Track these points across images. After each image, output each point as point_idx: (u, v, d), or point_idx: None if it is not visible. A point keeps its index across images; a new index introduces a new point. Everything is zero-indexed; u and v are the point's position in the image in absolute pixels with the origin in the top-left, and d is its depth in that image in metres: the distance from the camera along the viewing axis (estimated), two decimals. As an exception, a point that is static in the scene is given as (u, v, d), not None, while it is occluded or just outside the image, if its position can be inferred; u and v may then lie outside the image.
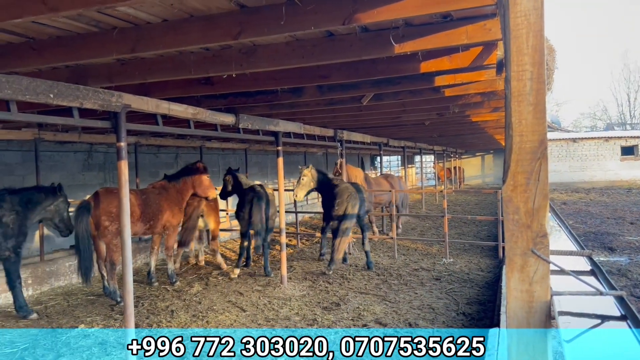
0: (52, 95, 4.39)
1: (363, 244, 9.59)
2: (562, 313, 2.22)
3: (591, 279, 4.73)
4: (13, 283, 6.88)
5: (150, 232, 8.30)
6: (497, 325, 5.04)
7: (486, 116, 11.07)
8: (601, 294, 2.11)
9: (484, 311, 6.82)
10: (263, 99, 7.28)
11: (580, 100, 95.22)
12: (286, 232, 9.20)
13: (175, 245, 9.17)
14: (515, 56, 2.04)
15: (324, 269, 9.24)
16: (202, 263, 10.42)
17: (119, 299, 7.42)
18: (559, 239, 11.36)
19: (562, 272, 2.24)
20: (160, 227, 8.28)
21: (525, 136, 2.04)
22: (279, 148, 8.61)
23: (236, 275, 9.03)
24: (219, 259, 9.93)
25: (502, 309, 5.12)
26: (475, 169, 40.18)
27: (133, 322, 5.34)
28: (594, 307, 2.96)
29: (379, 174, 16.31)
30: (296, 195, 9.71)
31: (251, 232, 9.33)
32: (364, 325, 6.31)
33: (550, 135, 36.01)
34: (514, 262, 2.07)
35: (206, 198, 8.91)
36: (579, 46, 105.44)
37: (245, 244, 9.45)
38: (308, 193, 10.03)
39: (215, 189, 9.23)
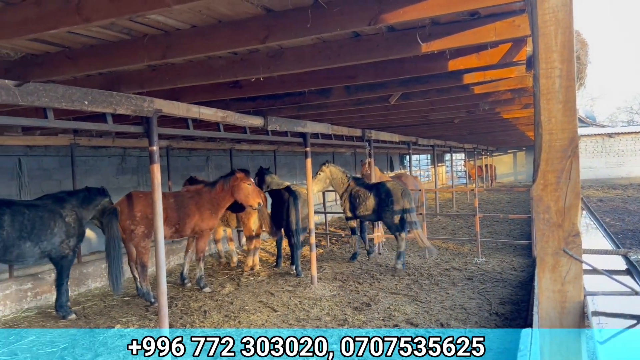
0: (86, 102, 4.53)
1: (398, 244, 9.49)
2: (595, 313, 2.19)
3: (626, 279, 4.60)
4: (62, 281, 7.13)
5: (179, 236, 8.33)
6: (531, 325, 4.96)
7: (517, 113, 10.89)
8: (637, 293, 2.06)
9: (517, 311, 6.72)
10: (291, 101, 7.34)
11: (616, 94, 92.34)
12: (315, 233, 9.24)
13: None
14: (544, 53, 2.02)
15: (395, 263, 9.29)
16: (235, 264, 10.54)
17: (152, 300, 7.61)
18: (594, 237, 11.10)
19: (595, 271, 2.20)
20: (190, 231, 8.28)
21: (555, 134, 2.01)
22: (307, 149, 8.66)
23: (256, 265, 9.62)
24: (250, 261, 10.01)
25: (535, 309, 5.04)
26: (507, 167, 39.49)
27: (167, 322, 5.46)
28: (629, 307, 2.88)
29: (407, 173, 16.20)
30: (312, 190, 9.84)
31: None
32: (395, 326, 6.29)
33: (584, 130, 35.14)
34: (546, 262, 2.04)
35: (251, 207, 8.63)
36: (615, 38, 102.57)
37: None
38: (343, 192, 10.13)
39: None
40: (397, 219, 9.19)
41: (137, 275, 7.82)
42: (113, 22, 3.44)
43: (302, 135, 8.58)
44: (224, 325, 6.60)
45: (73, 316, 7.18)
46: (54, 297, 7.40)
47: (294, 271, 9.28)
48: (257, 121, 7.22)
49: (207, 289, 8.37)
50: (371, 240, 10.95)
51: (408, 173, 19.11)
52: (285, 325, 6.48)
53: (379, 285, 8.32)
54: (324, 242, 12.73)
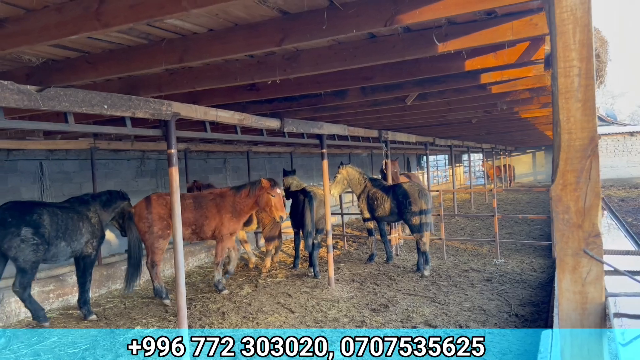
0: (106, 107, 4.60)
1: (418, 246, 9.41)
2: (617, 315, 2.15)
3: (651, 280, 4.52)
4: (85, 279, 7.36)
5: (197, 238, 8.41)
6: (552, 327, 4.90)
7: (536, 112, 10.78)
8: (660, 295, 2.03)
9: (537, 312, 6.64)
10: (307, 103, 7.36)
11: (637, 92, 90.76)
12: (332, 234, 9.25)
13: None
14: (562, 52, 2.00)
15: (423, 271, 9.03)
16: (253, 265, 10.58)
17: (163, 296, 7.88)
18: (616, 237, 10.91)
19: (617, 272, 2.17)
20: (209, 234, 8.29)
21: (574, 134, 1.99)
22: (324, 150, 8.67)
23: (269, 266, 9.71)
24: (268, 262, 10.07)
25: (555, 310, 4.98)
26: (526, 167, 39.06)
27: (186, 323, 5.52)
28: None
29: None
30: (331, 193, 9.92)
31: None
32: (414, 327, 6.26)
33: (605, 129, 34.60)
34: (565, 263, 2.02)
35: (274, 219, 8.40)
36: (636, 35, 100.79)
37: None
38: (360, 192, 10.14)
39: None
40: (416, 220, 9.13)
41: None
42: (131, 27, 3.49)
43: (319, 136, 8.60)
44: (242, 326, 6.63)
45: (94, 317, 7.31)
46: (76, 298, 7.57)
47: (312, 272, 9.29)
48: (273, 123, 7.25)
49: (225, 291, 8.40)
50: (389, 241, 10.89)
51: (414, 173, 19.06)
52: (303, 327, 6.49)
53: (397, 286, 8.29)
54: (341, 243, 12.72)
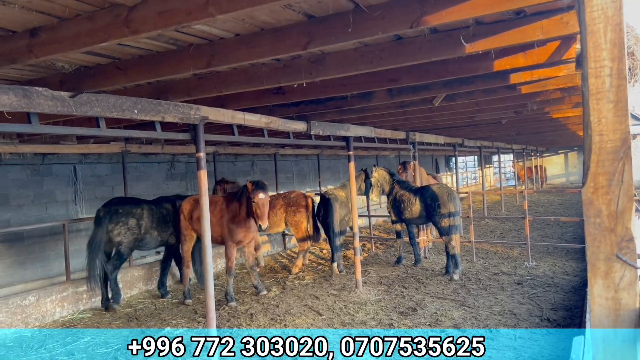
0: (136, 111, 4.69)
1: (447, 249, 9.25)
2: (653, 322, 2.08)
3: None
4: (167, 264, 8.90)
5: (215, 242, 8.12)
6: (584, 332, 4.78)
7: (567, 112, 10.55)
8: (698, 301, 1.95)
9: (570, 317, 6.48)
10: (333, 105, 7.37)
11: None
12: (359, 236, 9.24)
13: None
14: (592, 52, 1.95)
15: (452, 275, 8.91)
16: (261, 268, 10.61)
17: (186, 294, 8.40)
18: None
19: (652, 277, 2.11)
20: (220, 239, 8.03)
21: (605, 135, 1.94)
22: (350, 152, 8.66)
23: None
24: (299, 263, 10.14)
25: (587, 315, 4.85)
26: (558, 168, 38.21)
27: (215, 324, 5.57)
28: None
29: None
30: (371, 199, 10.14)
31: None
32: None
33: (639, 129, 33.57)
34: (597, 268, 1.97)
35: (260, 226, 7.50)
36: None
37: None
38: (388, 194, 10.17)
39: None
40: (445, 222, 9.04)
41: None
42: (160, 33, 3.55)
43: (345, 139, 8.59)
44: (270, 328, 6.67)
45: (169, 296, 8.65)
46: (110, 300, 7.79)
47: (336, 269, 9.57)
48: (300, 126, 7.28)
49: (232, 304, 7.84)
50: (417, 244, 10.79)
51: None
52: (331, 329, 6.49)
53: (425, 289, 8.21)
54: (369, 245, 12.67)
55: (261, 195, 7.41)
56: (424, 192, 9.46)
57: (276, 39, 4.06)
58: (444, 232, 9.08)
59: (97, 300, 8.35)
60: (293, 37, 3.99)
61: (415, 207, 9.46)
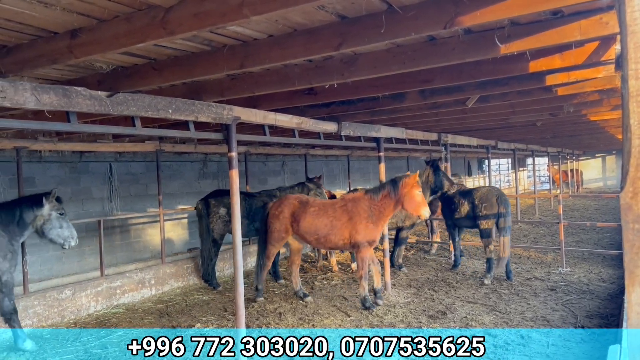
0: (170, 111, 4.78)
1: (486, 251, 9.09)
2: (694, 332, 2.01)
3: None
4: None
5: (322, 246, 8.12)
6: (621, 342, 4.64)
7: (606, 115, 10.26)
8: None
9: (605, 325, 6.30)
10: (364, 106, 7.35)
11: None
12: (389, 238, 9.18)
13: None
14: (633, 53, 1.90)
15: (483, 279, 8.77)
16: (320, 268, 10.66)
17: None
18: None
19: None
20: (341, 243, 7.64)
21: (645, 139, 1.88)
22: (381, 154, 8.62)
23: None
24: (333, 261, 10.26)
25: (624, 324, 4.71)
26: (595, 171, 37.21)
27: (244, 322, 5.64)
28: None
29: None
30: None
31: None
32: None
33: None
34: (636, 275, 1.91)
35: (419, 217, 7.65)
36: None
37: None
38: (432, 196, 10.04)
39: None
40: (490, 224, 8.89)
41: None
42: (195, 34, 3.61)
43: (376, 140, 8.56)
44: (298, 327, 6.69)
45: (282, 281, 9.36)
46: (140, 295, 7.98)
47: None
48: (331, 127, 7.29)
49: (380, 302, 7.63)
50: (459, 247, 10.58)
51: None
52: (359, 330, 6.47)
53: (456, 293, 8.11)
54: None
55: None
56: (473, 194, 9.26)
57: (309, 39, 4.08)
58: (484, 236, 8.96)
59: (129, 296, 8.54)
60: (325, 38, 3.99)
61: (463, 208, 9.27)
